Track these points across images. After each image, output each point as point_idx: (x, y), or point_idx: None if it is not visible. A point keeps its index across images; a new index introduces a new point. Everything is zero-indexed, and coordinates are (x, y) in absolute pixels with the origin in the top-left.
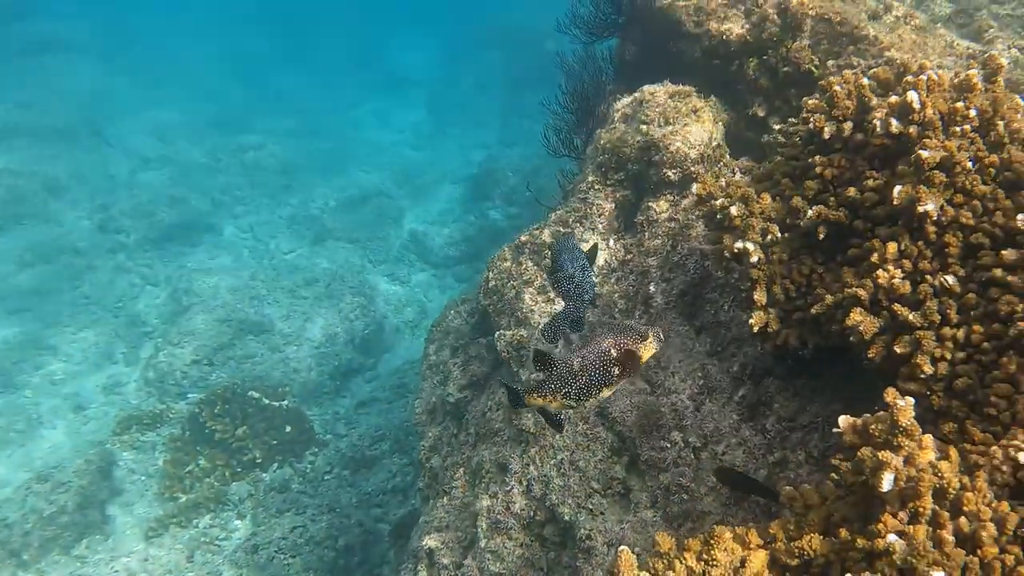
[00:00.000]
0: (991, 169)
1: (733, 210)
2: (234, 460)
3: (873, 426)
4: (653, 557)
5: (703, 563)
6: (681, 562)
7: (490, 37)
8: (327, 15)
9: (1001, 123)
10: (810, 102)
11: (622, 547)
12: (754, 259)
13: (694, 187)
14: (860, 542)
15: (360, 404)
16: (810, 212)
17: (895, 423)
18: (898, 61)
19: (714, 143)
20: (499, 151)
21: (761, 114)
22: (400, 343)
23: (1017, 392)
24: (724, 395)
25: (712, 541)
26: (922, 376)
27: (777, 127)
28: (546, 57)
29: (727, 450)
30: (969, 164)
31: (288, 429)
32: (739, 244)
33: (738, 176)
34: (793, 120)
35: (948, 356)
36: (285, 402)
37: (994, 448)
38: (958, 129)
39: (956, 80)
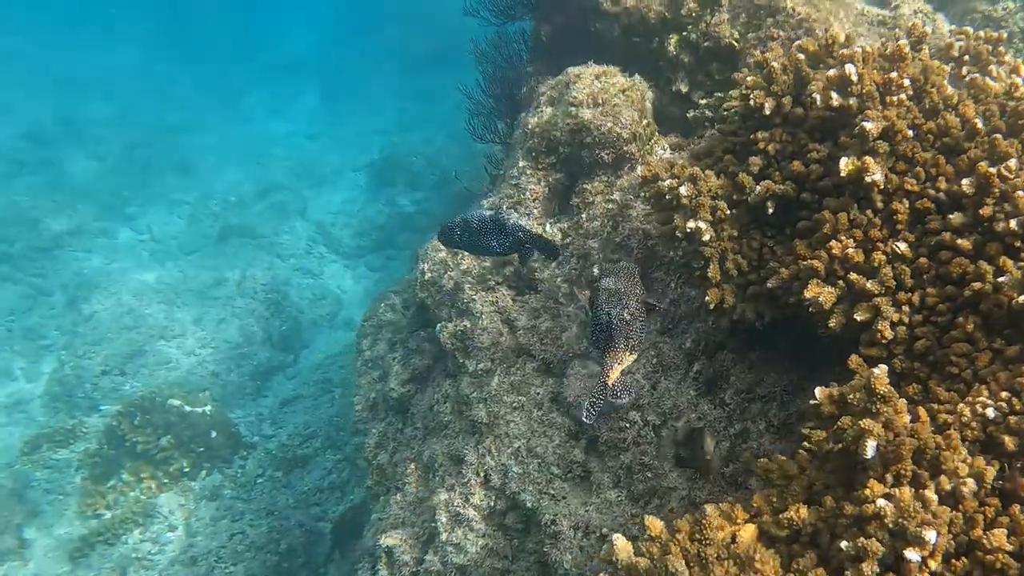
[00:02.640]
0: (930, 136)
1: (683, 190)
2: (160, 471)
3: (851, 395)
4: (646, 542)
5: (697, 543)
6: (676, 544)
7: (379, 20)
8: (204, 3)
9: (934, 90)
10: (749, 79)
11: (616, 535)
12: (706, 237)
13: (639, 169)
14: (848, 508)
15: (284, 403)
16: (758, 188)
17: (873, 391)
18: (826, 33)
19: (644, 121)
20: (399, 136)
21: (684, 89)
22: (318, 337)
23: (976, 350)
24: (679, 372)
25: (703, 520)
26: (883, 341)
27: (703, 102)
28: (441, 37)
29: (687, 425)
30: (910, 132)
31: (214, 435)
32: (691, 224)
33: (669, 153)
34: (720, 95)
35: (906, 320)
36: (208, 407)
37: (961, 406)
38: (895, 98)
39: (887, 51)
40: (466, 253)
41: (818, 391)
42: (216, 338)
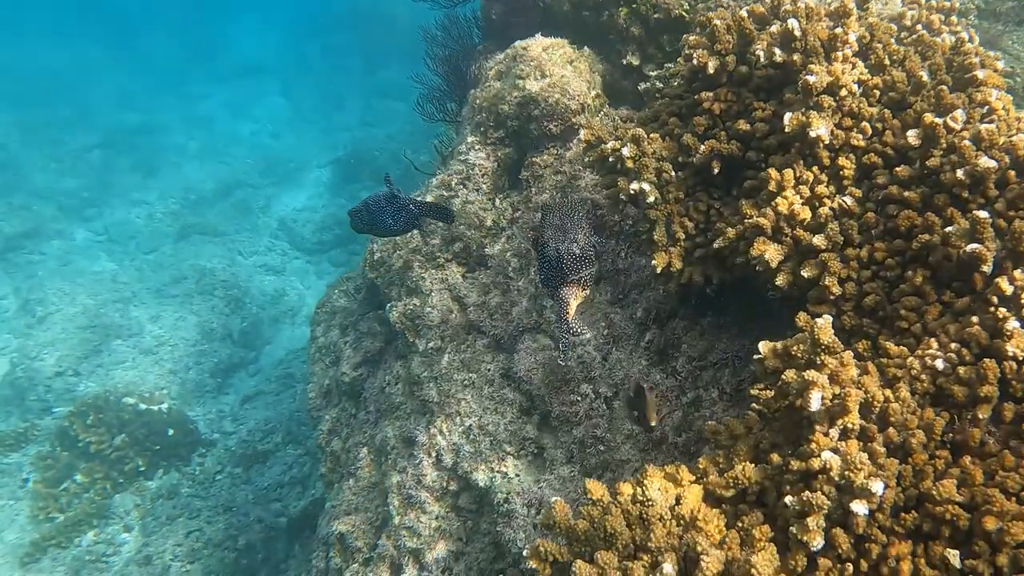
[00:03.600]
0: (876, 91)
1: (625, 151)
2: (114, 471)
3: (795, 347)
4: (587, 505)
5: (639, 504)
6: (617, 506)
7: (339, 18)
8: (157, 9)
9: (879, 46)
10: (691, 38)
11: (555, 498)
12: (651, 199)
13: (581, 133)
14: (794, 464)
15: (246, 399)
16: (702, 147)
17: (816, 341)
18: None
19: (592, 92)
20: (363, 132)
21: (635, 63)
22: (280, 333)
23: (925, 303)
24: (631, 342)
25: (645, 482)
26: (831, 298)
27: (653, 74)
28: (402, 34)
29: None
30: (855, 87)
31: (171, 433)
32: (635, 185)
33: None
34: (671, 66)
35: (854, 276)
36: (164, 405)
37: (910, 360)
38: (839, 54)
39: (832, 7)
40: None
41: (762, 345)
42: (174, 336)
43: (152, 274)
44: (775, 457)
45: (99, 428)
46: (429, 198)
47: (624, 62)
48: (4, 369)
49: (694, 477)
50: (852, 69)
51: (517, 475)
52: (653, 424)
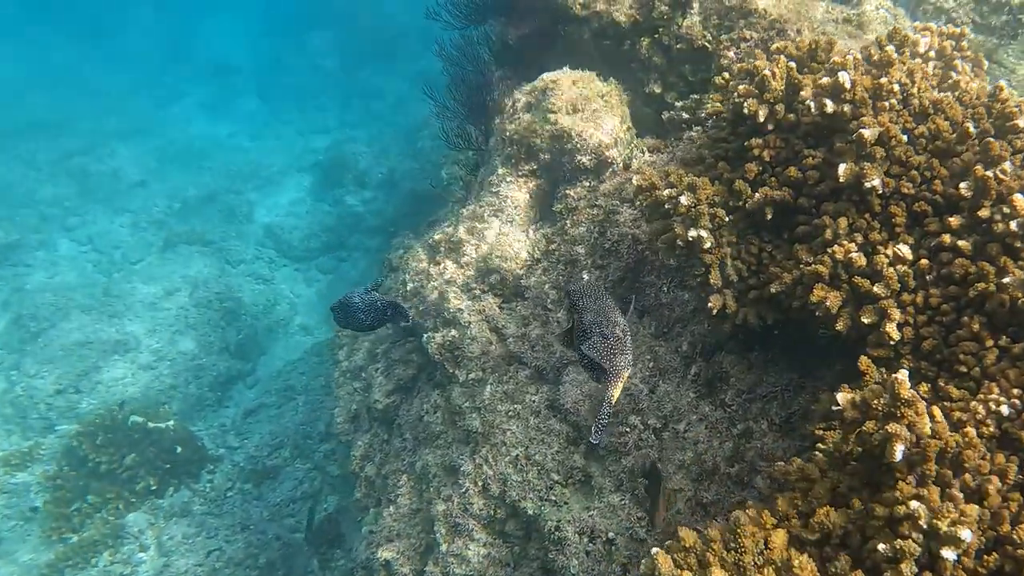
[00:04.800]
0: (922, 140)
1: (683, 200)
2: (126, 491)
3: (874, 401)
4: (681, 552)
5: (733, 551)
6: (713, 554)
7: (314, 17)
8: (127, 9)
9: (922, 95)
10: (741, 87)
11: (655, 549)
12: (707, 245)
13: (634, 179)
14: (879, 510)
15: (248, 412)
16: (756, 195)
17: (897, 396)
18: (809, 40)
19: (624, 126)
20: (343, 134)
21: (657, 91)
22: (275, 344)
23: (982, 348)
24: (677, 375)
25: (737, 529)
26: (890, 342)
27: (679, 104)
28: (378, 34)
29: (688, 427)
30: (904, 137)
31: (179, 450)
32: (693, 232)
33: (648, 156)
34: (696, 97)
35: (911, 320)
36: (171, 422)
37: (974, 404)
38: (885, 104)
39: (875, 57)
40: (451, 264)
41: (840, 396)
42: (172, 350)
43: (144, 286)
44: (857, 502)
45: (109, 448)
46: (462, 230)
47: (647, 91)
48: (2, 387)
49: (776, 520)
50: (898, 118)
51: (566, 503)
52: (657, 524)
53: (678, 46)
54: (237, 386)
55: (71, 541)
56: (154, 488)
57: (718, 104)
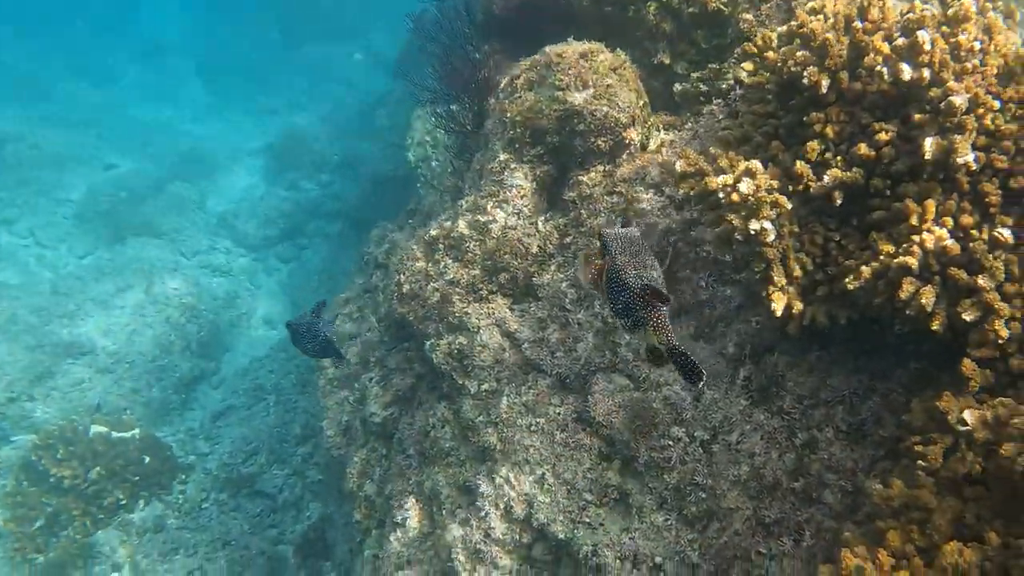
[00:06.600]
0: (1011, 105)
1: (743, 187)
2: (93, 507)
3: (1016, 420)
4: None
5: None
6: None
7: None
8: None
9: (1004, 52)
10: (798, 54)
11: None
12: (771, 238)
13: (677, 164)
14: None
15: (216, 415)
16: (826, 178)
17: None
18: None
19: (641, 102)
20: (292, 114)
21: (667, 61)
22: (239, 339)
23: None
24: (724, 380)
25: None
26: (998, 341)
27: (695, 75)
28: (323, 6)
29: (742, 438)
30: (996, 104)
31: (147, 460)
32: (755, 225)
33: (663, 134)
34: (715, 66)
35: (1018, 315)
36: (136, 431)
37: None
38: (968, 65)
39: (950, 12)
40: (452, 262)
41: (967, 414)
42: (130, 351)
43: (95, 283)
44: (993, 536)
45: (71, 461)
46: (461, 223)
47: (655, 61)
48: None
49: (894, 560)
50: (982, 81)
51: (601, 524)
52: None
53: (689, 10)
54: (202, 386)
55: (37, 562)
56: (123, 502)
57: (759, 75)
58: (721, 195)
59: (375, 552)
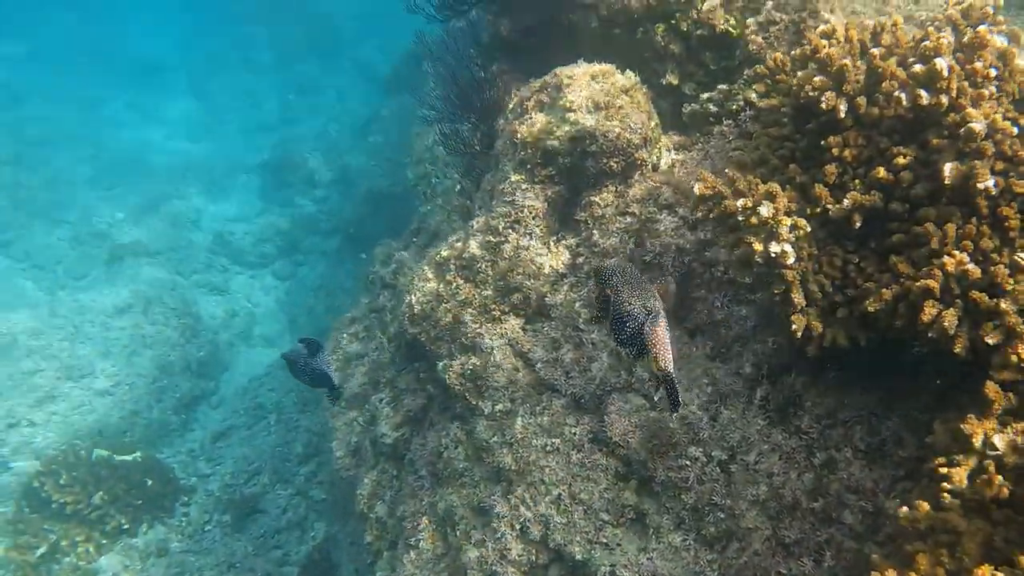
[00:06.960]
0: None
1: (763, 211)
2: (95, 531)
3: None
4: None
5: None
6: None
7: (245, 10)
8: (45, 5)
9: (1020, 81)
10: (816, 79)
11: None
12: (791, 260)
13: (696, 187)
14: None
15: (217, 436)
16: (845, 200)
17: None
18: (868, 22)
19: (652, 123)
20: (286, 131)
21: (674, 82)
22: (238, 359)
23: None
24: (741, 400)
25: None
26: (1021, 364)
27: (705, 96)
28: (315, 24)
29: (760, 458)
30: (1014, 129)
31: (149, 483)
32: (775, 248)
33: (673, 155)
34: (725, 87)
35: None
36: (138, 454)
37: None
38: (984, 92)
39: (965, 39)
40: (464, 282)
41: (998, 439)
42: (130, 373)
43: (92, 304)
44: (1022, 559)
45: (74, 487)
46: (473, 244)
47: (663, 82)
48: None
49: None
50: (999, 107)
51: (619, 545)
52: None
53: (698, 33)
54: (202, 407)
55: None
56: (126, 527)
57: (773, 98)
58: (740, 217)
59: (387, 574)
